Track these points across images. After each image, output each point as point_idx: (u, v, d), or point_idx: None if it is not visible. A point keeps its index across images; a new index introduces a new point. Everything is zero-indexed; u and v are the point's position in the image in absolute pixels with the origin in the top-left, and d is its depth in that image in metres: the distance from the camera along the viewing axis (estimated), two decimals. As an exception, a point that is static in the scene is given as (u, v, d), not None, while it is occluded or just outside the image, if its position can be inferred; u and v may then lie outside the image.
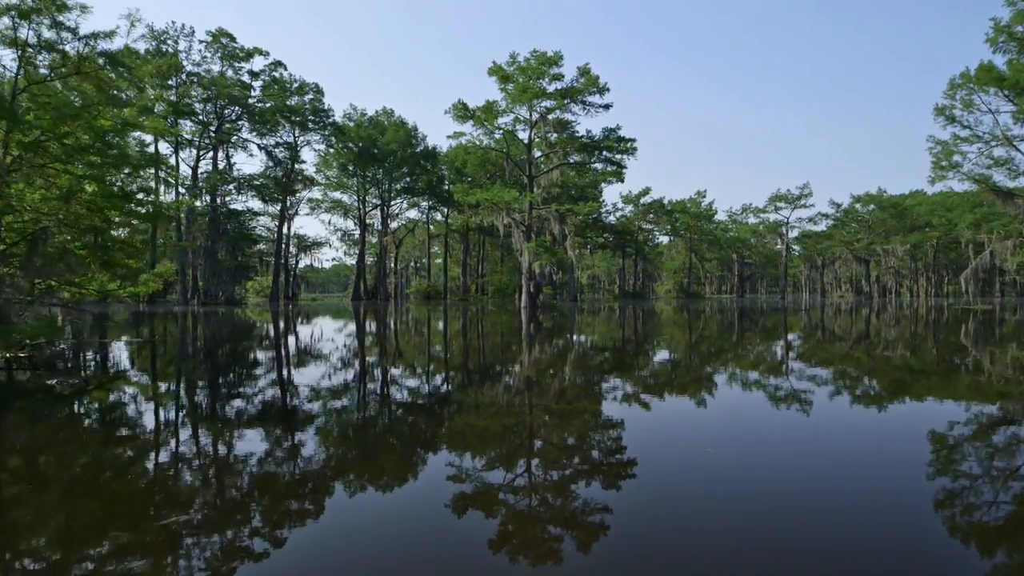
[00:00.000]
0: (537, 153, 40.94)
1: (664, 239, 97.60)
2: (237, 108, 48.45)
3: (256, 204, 61.49)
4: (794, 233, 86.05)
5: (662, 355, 13.80)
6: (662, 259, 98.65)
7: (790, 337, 18.15)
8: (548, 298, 41.87)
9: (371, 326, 23.61)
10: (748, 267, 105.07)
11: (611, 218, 77.19)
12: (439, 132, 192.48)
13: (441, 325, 24.18)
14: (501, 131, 37.10)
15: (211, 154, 51.30)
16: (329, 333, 19.54)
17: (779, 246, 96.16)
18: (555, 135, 39.18)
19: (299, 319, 27.83)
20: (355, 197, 66.41)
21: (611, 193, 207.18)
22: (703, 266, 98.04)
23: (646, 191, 79.62)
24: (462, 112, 36.24)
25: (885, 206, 72.52)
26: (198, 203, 46.85)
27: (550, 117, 37.00)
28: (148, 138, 50.88)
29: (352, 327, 22.91)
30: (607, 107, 36.66)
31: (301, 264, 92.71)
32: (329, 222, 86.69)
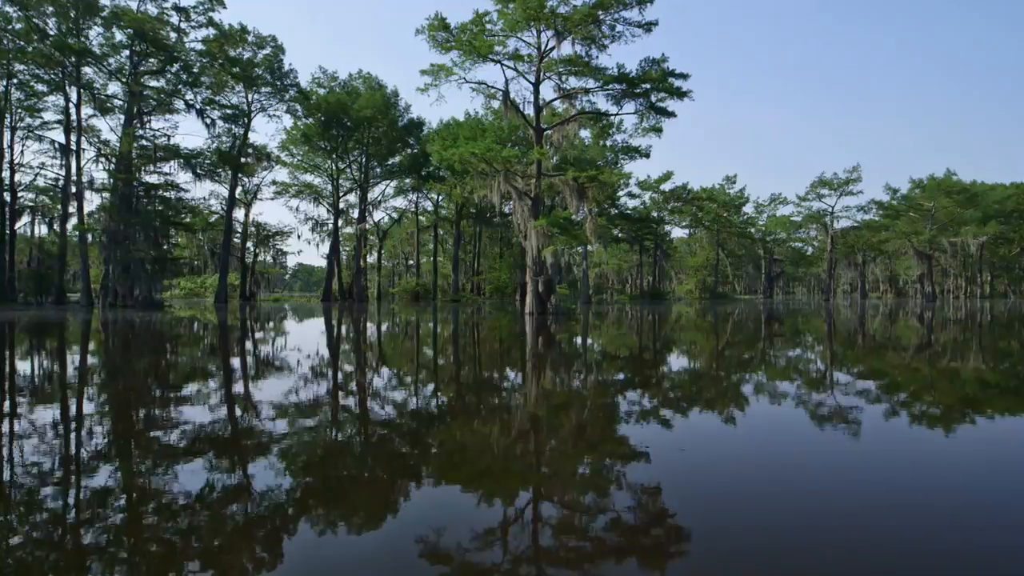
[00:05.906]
0: (550, 113, 30.10)
1: (681, 233, 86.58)
2: (159, 53, 37.60)
3: (210, 185, 50.86)
4: (839, 224, 74.82)
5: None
6: (678, 254, 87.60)
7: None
8: (564, 299, 30.86)
9: (314, 342, 14.52)
10: (778, 264, 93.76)
11: (628, 205, 66.08)
12: (427, 113, 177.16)
13: (395, 338, 13.66)
14: (497, 61, 25.96)
15: (155, 121, 40.63)
16: (243, 354, 11.48)
17: (817, 240, 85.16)
18: (573, 79, 28.29)
19: (219, 332, 17.43)
20: (327, 179, 55.74)
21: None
22: (730, 263, 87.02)
23: (668, 175, 68.66)
24: (441, 33, 25.11)
25: (953, 192, 61.29)
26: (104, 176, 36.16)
27: (566, 43, 25.90)
28: (73, 96, 40.32)
29: (286, 343, 13.05)
30: (649, 27, 25.58)
31: (292, 262, 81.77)
32: (297, 208, 75.71)
